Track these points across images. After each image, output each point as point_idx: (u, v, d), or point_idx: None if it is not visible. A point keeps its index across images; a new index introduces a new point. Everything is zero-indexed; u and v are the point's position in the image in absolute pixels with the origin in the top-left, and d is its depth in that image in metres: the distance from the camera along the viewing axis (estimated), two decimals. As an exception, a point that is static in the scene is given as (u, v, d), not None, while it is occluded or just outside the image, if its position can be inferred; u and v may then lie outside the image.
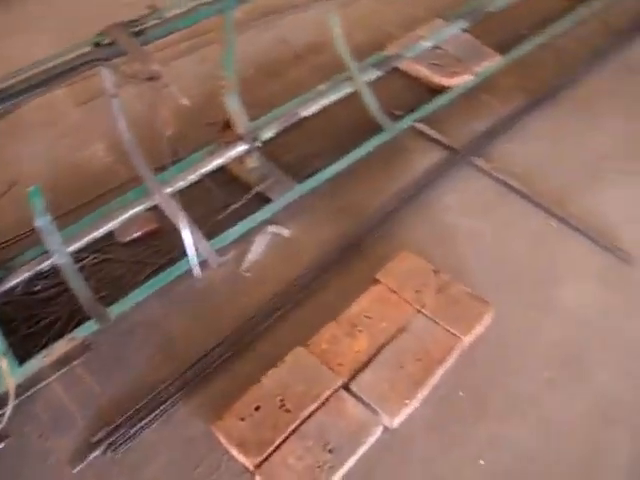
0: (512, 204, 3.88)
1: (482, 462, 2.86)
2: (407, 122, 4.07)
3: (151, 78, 2.69)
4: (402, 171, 3.94)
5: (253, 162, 3.65)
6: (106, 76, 2.77)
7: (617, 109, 4.54)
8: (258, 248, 3.48)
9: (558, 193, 3.94)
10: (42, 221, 3.01)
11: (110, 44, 2.67)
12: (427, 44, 4.23)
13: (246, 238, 3.53)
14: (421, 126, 4.11)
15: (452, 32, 4.34)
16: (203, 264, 3.35)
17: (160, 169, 3.45)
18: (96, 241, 3.38)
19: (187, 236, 3.19)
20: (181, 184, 3.39)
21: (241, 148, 3.55)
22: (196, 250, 3.23)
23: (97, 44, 2.70)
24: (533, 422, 2.98)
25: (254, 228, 3.55)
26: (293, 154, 3.89)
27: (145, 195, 3.33)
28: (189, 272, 3.34)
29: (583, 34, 5.03)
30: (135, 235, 3.49)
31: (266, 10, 4.48)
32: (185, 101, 2.89)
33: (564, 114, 4.41)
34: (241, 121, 3.48)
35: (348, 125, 4.07)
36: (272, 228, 3.56)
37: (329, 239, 3.57)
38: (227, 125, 3.54)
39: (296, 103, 3.94)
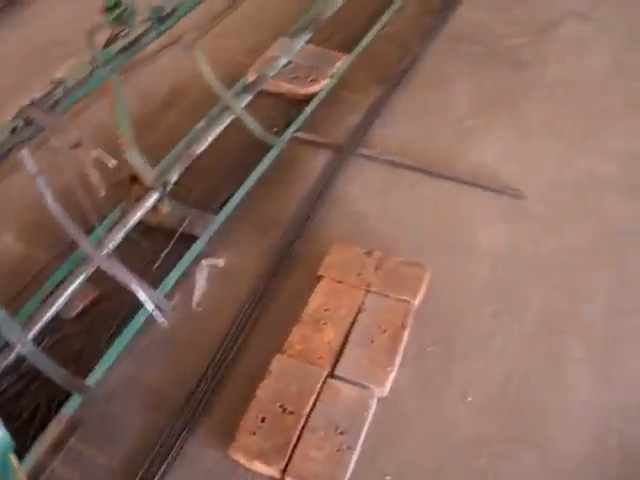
0: (405, 178, 4.26)
1: (470, 399, 3.16)
2: (289, 134, 4.34)
3: (76, 145, 2.83)
4: (302, 177, 4.21)
5: (167, 207, 3.79)
6: (27, 157, 2.87)
7: (459, 73, 5.02)
8: (200, 283, 3.64)
9: (439, 158, 4.35)
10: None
11: (28, 124, 2.78)
12: (282, 61, 4.51)
13: (186, 278, 3.67)
14: (303, 134, 4.40)
15: (299, 46, 4.65)
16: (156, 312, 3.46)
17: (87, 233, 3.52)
18: (45, 324, 3.40)
19: (138, 289, 3.30)
20: (111, 245, 3.48)
21: (154, 197, 3.68)
22: (148, 300, 3.34)
23: (14, 129, 2.79)
24: (495, 351, 3.32)
25: (190, 267, 3.70)
26: (198, 190, 4.07)
27: (82, 263, 3.40)
28: (146, 325, 3.45)
29: (407, 17, 5.49)
30: (80, 308, 3.55)
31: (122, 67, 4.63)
32: (112, 163, 3.05)
33: (419, 89, 4.85)
34: (147, 173, 3.63)
35: (238, 150, 4.29)
36: (206, 261, 3.72)
37: (262, 254, 3.78)
38: (134, 179, 3.67)
39: (185, 143, 4.11)
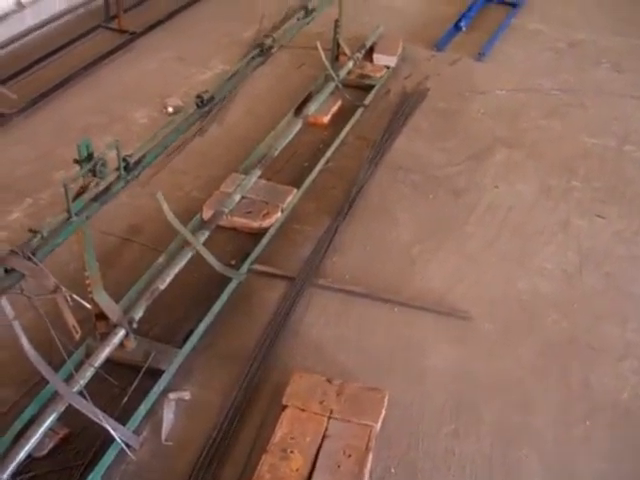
0: (359, 305, 4.49)
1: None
2: (245, 267, 4.55)
3: (54, 291, 2.99)
4: (260, 308, 4.40)
5: (132, 343, 3.92)
6: (5, 304, 3.00)
7: (401, 202, 5.36)
8: (168, 417, 3.74)
9: (389, 284, 4.61)
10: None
11: (8, 272, 2.93)
12: (237, 197, 4.77)
13: (154, 412, 3.77)
14: (259, 267, 4.61)
15: (252, 182, 4.92)
16: (126, 448, 3.54)
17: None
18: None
19: (107, 425, 3.39)
20: (81, 383, 3.58)
21: (120, 334, 3.81)
22: (117, 437, 3.43)
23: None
24: (456, 469, 3.51)
25: (157, 401, 3.80)
26: (161, 324, 4.22)
27: (53, 402, 3.48)
28: (117, 461, 3.52)
29: (350, 151, 5.86)
30: (50, 446, 3.60)
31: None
32: (88, 305, 3.21)
33: (366, 219, 5.15)
34: (114, 311, 3.77)
35: (198, 283, 4.47)
36: (173, 395, 3.83)
37: (227, 385, 3.91)
38: (100, 316, 3.81)
39: (147, 278, 4.28)
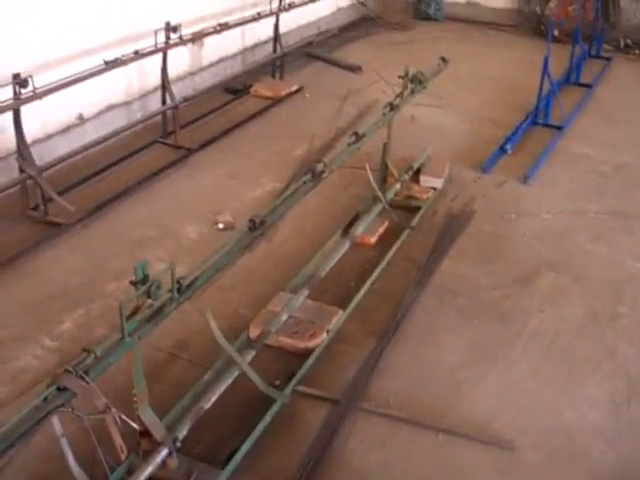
0: (402, 431, 4.44)
1: None
2: (290, 388, 4.56)
3: (103, 411, 3.04)
4: (303, 430, 4.37)
5: (174, 462, 3.92)
6: (56, 422, 3.05)
7: (447, 325, 5.36)
8: None
9: (433, 409, 4.57)
10: None
11: (61, 390, 2.99)
12: (284, 317, 4.83)
13: (191, 535, 3.72)
14: (303, 388, 4.61)
15: (299, 301, 4.99)
16: None
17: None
18: None
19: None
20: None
21: (164, 453, 3.81)
22: None
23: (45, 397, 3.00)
24: None
25: (194, 523, 3.76)
26: (202, 443, 4.21)
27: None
28: None
29: (396, 272, 5.91)
30: None
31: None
32: (136, 426, 3.25)
33: (411, 342, 5.15)
34: (158, 429, 3.79)
35: (241, 403, 4.47)
36: (211, 519, 3.79)
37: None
38: (144, 434, 3.82)
39: (191, 395, 4.31)
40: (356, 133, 5.70)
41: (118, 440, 3.16)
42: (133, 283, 3.40)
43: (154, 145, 8.16)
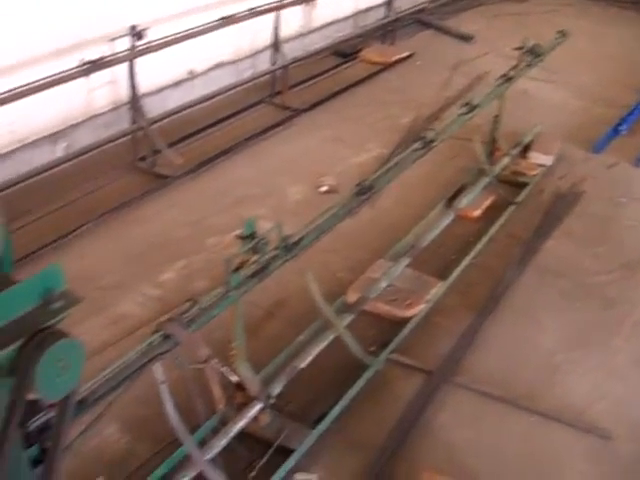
0: (494, 409, 4.36)
1: None
2: (384, 355, 4.54)
3: (205, 361, 3.08)
4: (394, 399, 4.36)
5: (266, 418, 3.96)
6: (158, 368, 3.11)
7: (547, 306, 5.22)
8: (295, 499, 3.73)
9: (528, 390, 4.47)
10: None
11: (165, 338, 3.04)
12: (383, 284, 4.79)
13: (279, 492, 3.77)
14: (397, 356, 4.58)
15: (399, 270, 4.94)
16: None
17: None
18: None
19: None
20: (214, 451, 3.64)
21: (257, 408, 3.86)
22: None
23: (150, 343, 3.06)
24: None
25: (284, 479, 3.80)
26: (294, 403, 4.23)
27: (185, 467, 3.55)
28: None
29: (498, 249, 5.79)
30: (175, 509, 3.65)
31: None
32: (234, 378, 3.29)
33: (509, 320, 5.04)
34: (254, 384, 3.83)
35: (335, 365, 4.48)
36: (300, 476, 3.82)
37: (354, 474, 3.87)
38: (239, 387, 3.87)
39: (286, 354, 4.34)
40: (469, 103, 5.57)
41: (217, 391, 3.21)
42: (241, 238, 3.42)
43: (261, 104, 8.20)
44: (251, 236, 3.39)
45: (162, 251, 5.57)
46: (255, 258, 3.43)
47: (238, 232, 3.48)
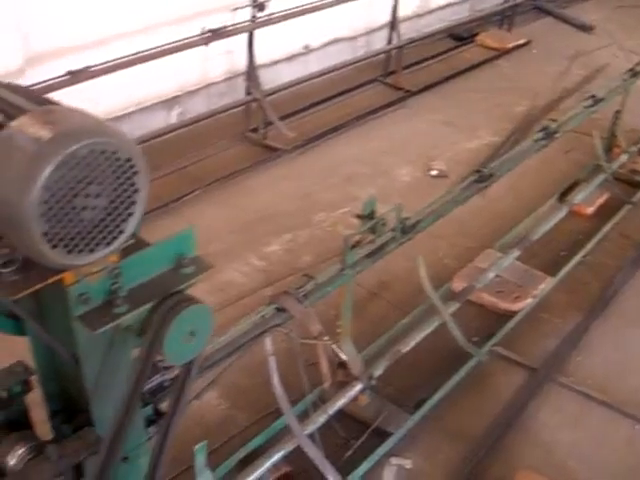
0: (597, 413, 4.24)
1: None
2: (487, 347, 4.46)
3: (316, 337, 3.08)
4: (494, 392, 4.28)
5: (366, 398, 3.95)
6: (267, 340, 3.13)
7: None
8: (388, 482, 3.71)
9: (634, 398, 4.30)
10: (204, 477, 3.22)
11: (279, 311, 3.05)
12: (491, 275, 4.70)
13: (372, 472, 3.76)
14: (500, 349, 4.50)
15: (508, 262, 4.84)
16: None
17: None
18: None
19: (330, 476, 3.42)
20: (312, 426, 3.65)
21: (358, 387, 3.85)
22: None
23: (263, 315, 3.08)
24: None
25: (378, 462, 3.79)
26: (394, 385, 4.21)
27: (283, 439, 3.58)
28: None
29: (611, 248, 5.60)
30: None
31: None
32: (344, 357, 3.29)
33: (619, 323, 4.88)
34: (357, 364, 3.82)
35: (436, 352, 4.43)
36: (395, 460, 3.80)
37: (448, 466, 3.83)
38: (341, 365, 3.87)
39: (389, 336, 4.32)
40: (594, 96, 5.38)
41: (325, 368, 3.22)
42: (359, 217, 3.40)
43: (374, 83, 8.14)
44: (370, 216, 3.37)
45: (269, 223, 5.60)
46: (372, 238, 3.40)
47: (355, 211, 3.48)
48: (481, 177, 4.13)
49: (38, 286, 1.86)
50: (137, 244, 2.03)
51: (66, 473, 2.16)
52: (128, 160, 1.76)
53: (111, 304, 1.96)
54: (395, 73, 8.11)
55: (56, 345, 2.05)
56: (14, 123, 1.75)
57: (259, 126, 6.65)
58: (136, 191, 1.82)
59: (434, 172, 6.34)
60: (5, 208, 1.69)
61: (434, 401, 4.10)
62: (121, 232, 1.83)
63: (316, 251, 5.22)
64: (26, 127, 1.72)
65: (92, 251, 1.79)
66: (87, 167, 1.70)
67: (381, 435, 3.93)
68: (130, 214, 1.83)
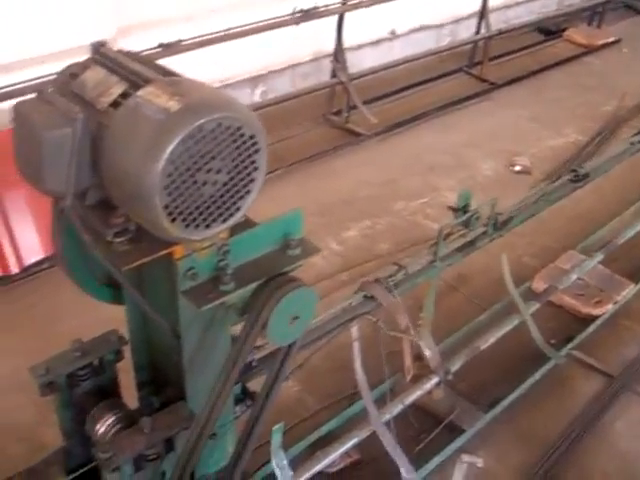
0: (677, 427, 4.09)
1: None
2: (565, 350, 4.36)
3: (403, 330, 3.04)
4: (570, 397, 4.19)
5: (440, 392, 3.89)
6: (354, 327, 3.10)
7: None
8: (457, 478, 3.65)
9: None
10: (278, 457, 3.21)
11: (367, 299, 3.02)
12: (573, 277, 4.59)
13: (442, 467, 3.71)
14: (579, 354, 4.40)
15: (591, 265, 4.72)
16: (411, 495, 3.52)
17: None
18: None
19: (404, 467, 3.39)
20: (387, 415, 3.62)
21: (434, 381, 3.80)
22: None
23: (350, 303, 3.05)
24: None
25: (449, 458, 3.74)
26: (467, 382, 4.14)
27: (357, 426, 3.56)
28: (397, 503, 3.51)
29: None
30: (340, 466, 3.67)
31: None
32: (428, 353, 3.25)
33: None
34: (434, 357, 3.77)
35: (512, 351, 4.35)
36: (467, 458, 3.73)
37: (519, 469, 3.76)
38: (417, 358, 3.82)
39: (465, 331, 4.26)
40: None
41: (408, 361, 3.18)
42: (452, 209, 3.34)
43: (458, 73, 8.02)
44: (464, 209, 3.30)
45: (348, 208, 5.57)
46: (463, 232, 3.34)
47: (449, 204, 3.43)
48: (577, 176, 4.02)
49: (149, 258, 1.86)
50: (245, 223, 2.02)
51: (157, 446, 2.17)
52: (252, 137, 1.74)
53: (217, 281, 1.95)
54: (481, 64, 7.97)
55: (157, 318, 2.05)
56: (140, 92, 1.74)
57: (342, 109, 6.60)
58: (256, 169, 1.81)
59: (517, 168, 6.21)
60: (128, 178, 1.69)
61: (508, 401, 4.03)
62: (238, 209, 1.82)
63: (394, 239, 5.18)
64: (153, 97, 1.71)
65: (208, 227, 1.78)
66: (212, 142, 1.69)
67: (452, 431, 3.88)
68: (248, 192, 1.82)
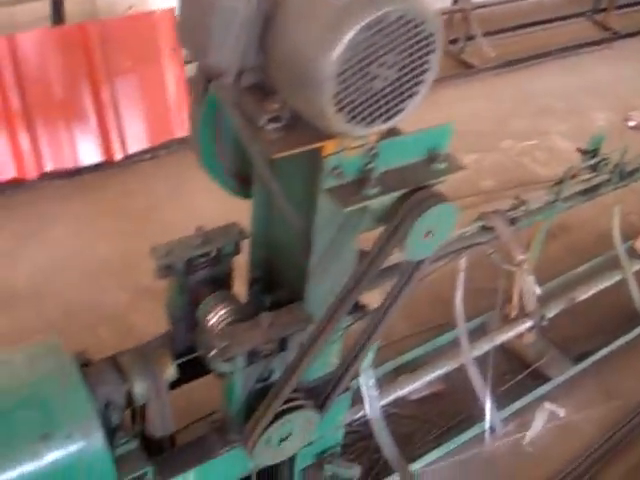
0: None
1: None
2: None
3: (518, 264, 2.96)
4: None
5: (531, 338, 3.83)
6: (463, 257, 3.03)
7: None
8: (538, 424, 3.61)
9: None
10: (367, 376, 3.21)
11: (486, 229, 2.94)
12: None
13: (523, 412, 3.67)
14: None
15: None
16: (489, 431, 3.49)
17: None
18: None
19: (487, 402, 3.36)
20: (476, 352, 3.57)
21: (528, 325, 3.73)
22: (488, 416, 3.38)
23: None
24: None
25: (531, 403, 3.69)
26: (557, 332, 4.05)
27: (446, 357, 3.53)
28: (473, 439, 3.49)
29: None
30: (423, 394, 3.66)
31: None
32: (537, 290, 3.16)
33: None
34: (532, 301, 3.68)
35: (607, 307, 4.23)
36: (549, 406, 3.69)
37: (600, 423, 3.69)
38: (510, 299, 3.75)
39: (563, 280, 4.17)
40: None
41: (516, 298, 3.09)
42: (581, 152, 3.21)
43: (581, 18, 7.67)
44: (594, 153, 3.16)
45: (457, 139, 5.37)
46: (589, 176, 3.21)
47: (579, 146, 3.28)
48: None
49: (302, 148, 1.80)
50: (394, 130, 1.94)
51: (272, 343, 2.15)
52: (430, 35, 1.65)
53: (362, 184, 1.89)
54: (606, 11, 7.60)
55: (291, 214, 1.98)
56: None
57: (459, 38, 6.39)
58: (426, 70, 1.72)
59: (632, 123, 5.96)
60: (300, 61, 1.62)
61: (598, 356, 3.94)
62: (401, 110, 1.74)
63: (499, 178, 5.05)
64: (334, -20, 1.62)
65: (370, 123, 1.71)
66: (391, 34, 1.61)
67: (537, 378, 3.83)
68: (414, 93, 1.74)
